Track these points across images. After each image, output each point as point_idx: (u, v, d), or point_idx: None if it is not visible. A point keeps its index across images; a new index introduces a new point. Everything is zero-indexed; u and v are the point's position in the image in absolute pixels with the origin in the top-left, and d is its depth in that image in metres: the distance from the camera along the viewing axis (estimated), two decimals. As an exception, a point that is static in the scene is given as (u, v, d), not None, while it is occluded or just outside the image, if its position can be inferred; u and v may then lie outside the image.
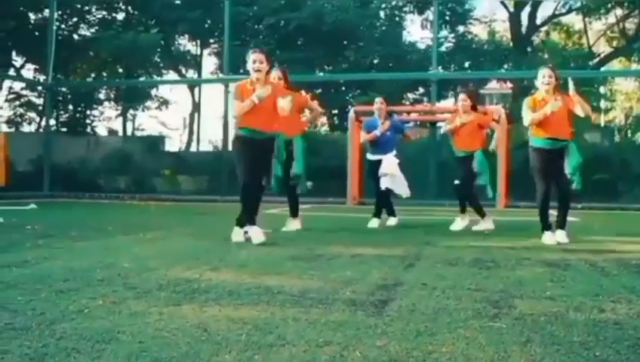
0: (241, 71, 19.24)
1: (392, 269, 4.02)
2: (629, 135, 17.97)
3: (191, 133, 24.44)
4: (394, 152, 7.61)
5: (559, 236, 5.96)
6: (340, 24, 19.21)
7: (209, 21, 22.08)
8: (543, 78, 5.92)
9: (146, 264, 4.03)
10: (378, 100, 7.76)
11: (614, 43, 22.80)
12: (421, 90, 21.11)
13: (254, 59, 5.57)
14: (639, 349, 2.21)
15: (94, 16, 22.65)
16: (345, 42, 19.96)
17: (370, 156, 7.86)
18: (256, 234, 5.49)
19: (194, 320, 2.46)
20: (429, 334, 2.34)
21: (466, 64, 20.70)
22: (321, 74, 20.88)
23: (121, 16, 23.16)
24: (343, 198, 14.05)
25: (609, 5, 20.11)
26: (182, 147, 24.72)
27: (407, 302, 2.91)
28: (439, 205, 13.32)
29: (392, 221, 7.75)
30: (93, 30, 22.38)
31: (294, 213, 7.09)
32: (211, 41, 23.81)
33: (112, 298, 2.86)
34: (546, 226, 6.03)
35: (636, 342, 2.28)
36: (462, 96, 7.45)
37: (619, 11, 21.01)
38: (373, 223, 7.54)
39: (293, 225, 6.99)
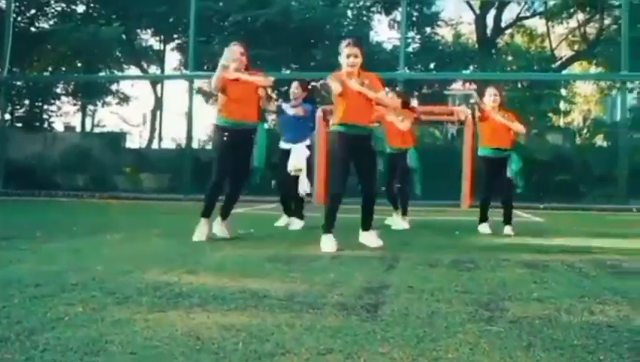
0: (206, 68, 19.01)
1: (374, 271, 3.95)
2: (588, 137, 18.33)
3: (153, 129, 24.02)
4: (307, 142, 7.19)
5: (507, 230, 6.84)
6: (308, 22, 19.14)
7: (173, 16, 21.75)
8: (490, 96, 6.95)
9: (120, 267, 3.87)
10: (294, 84, 7.43)
11: (575, 47, 23.25)
12: (386, 90, 21.12)
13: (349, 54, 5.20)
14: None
15: (53, 8, 22.08)
16: (312, 41, 19.86)
17: (282, 144, 7.27)
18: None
19: (183, 327, 2.34)
20: (430, 339, 2.27)
21: (432, 65, 20.83)
22: (288, 72, 20.73)
23: (81, 8, 22.64)
24: (307, 198, 13.94)
25: (571, 10, 20.50)
26: (143, 144, 24.30)
27: (399, 306, 2.84)
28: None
29: (296, 224, 7.14)
30: (52, 23, 21.80)
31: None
32: (175, 36, 23.46)
33: (92, 304, 2.71)
34: (484, 218, 7.07)
35: (635, 346, 2.26)
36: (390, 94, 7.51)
37: (580, 16, 21.45)
38: (281, 222, 7.49)
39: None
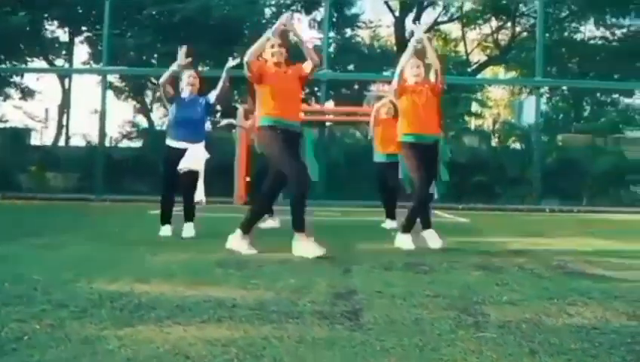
0: (119, 62, 18.28)
1: (333, 276, 3.81)
2: (502, 140, 18.99)
3: (60, 126, 22.79)
4: (203, 142, 6.18)
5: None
6: (227, 19, 18.73)
7: (82, 7, 20.74)
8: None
9: (61, 275, 3.53)
10: (191, 74, 6.52)
11: (488, 52, 24.08)
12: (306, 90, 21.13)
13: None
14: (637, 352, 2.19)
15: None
16: (232, 38, 19.43)
17: (170, 142, 6.16)
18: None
19: (164, 344, 2.11)
20: (431, 349, 2.16)
21: (351, 67, 20.91)
22: (207, 69, 20.24)
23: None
24: (229, 198, 13.66)
25: (486, 16, 21.20)
26: (50, 141, 22.98)
27: (379, 313, 2.72)
28: (326, 205, 13.36)
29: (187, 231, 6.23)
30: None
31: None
32: (84, 28, 22.36)
33: (47, 320, 2.41)
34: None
35: (631, 348, 2.24)
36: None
37: (494, 22, 22.24)
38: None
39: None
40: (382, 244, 5.83)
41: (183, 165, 5.91)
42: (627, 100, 21.28)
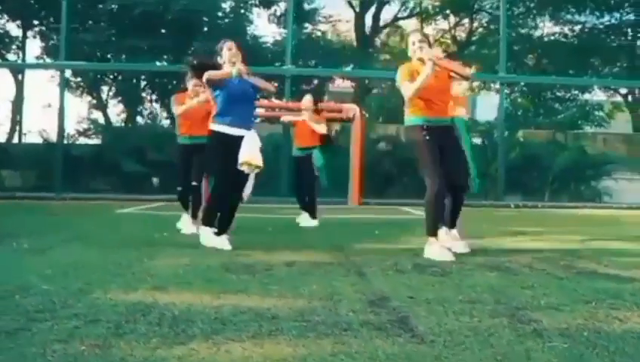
0: (77, 55, 17.63)
1: (350, 280, 3.69)
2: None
3: (14, 122, 21.89)
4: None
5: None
6: (186, 13, 18.33)
7: (35, 1, 20.03)
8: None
9: (70, 285, 3.31)
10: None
11: (447, 48, 24.25)
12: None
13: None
14: None
15: None
16: (191, 32, 19.03)
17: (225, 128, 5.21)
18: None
19: (234, 365, 1.95)
20: (512, 363, 2.06)
21: (312, 62, 20.79)
22: (165, 64, 19.81)
23: None
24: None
25: (446, 12, 21.37)
26: (3, 138, 22.01)
27: (429, 322, 2.61)
28: (290, 202, 13.22)
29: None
30: None
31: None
32: (36, 22, 21.58)
33: (89, 339, 2.21)
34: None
35: None
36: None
37: (452, 18, 22.45)
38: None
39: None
40: (372, 243, 5.78)
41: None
42: (586, 96, 21.84)
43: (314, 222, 7.54)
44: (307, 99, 7.89)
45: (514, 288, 3.49)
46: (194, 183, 6.43)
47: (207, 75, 5.09)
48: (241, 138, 5.10)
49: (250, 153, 5.09)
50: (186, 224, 6.48)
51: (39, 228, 6.86)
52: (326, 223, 7.70)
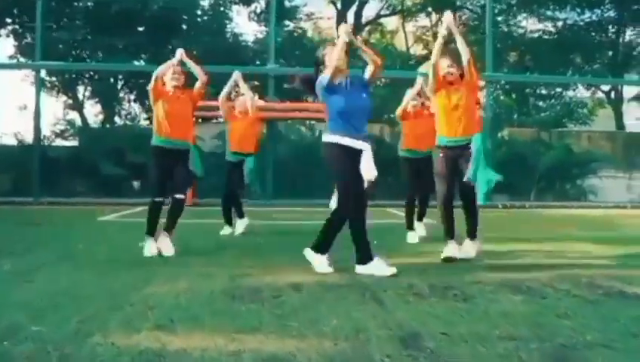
0: (53, 54, 17.08)
1: (369, 310, 3.41)
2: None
3: (-15, 124, 21.20)
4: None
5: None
6: (165, 11, 17.88)
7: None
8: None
9: (64, 323, 3.00)
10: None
11: (430, 46, 24.10)
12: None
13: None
14: None
15: None
16: (169, 30, 18.57)
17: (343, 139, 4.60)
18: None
19: None
20: None
21: (293, 61, 20.43)
22: (143, 63, 19.31)
23: None
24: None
25: (428, 9, 21.18)
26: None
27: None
28: (275, 205, 12.95)
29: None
30: None
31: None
32: (8, 20, 20.88)
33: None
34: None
35: None
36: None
37: (434, 16, 22.27)
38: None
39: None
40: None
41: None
42: (569, 93, 21.85)
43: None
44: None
45: (548, 317, 3.25)
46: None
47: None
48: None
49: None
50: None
51: (21, 242, 6.46)
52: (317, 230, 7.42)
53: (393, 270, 4.50)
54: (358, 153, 4.53)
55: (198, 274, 4.50)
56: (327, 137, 4.62)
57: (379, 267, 4.54)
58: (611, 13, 21.96)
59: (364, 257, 4.60)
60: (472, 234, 5.44)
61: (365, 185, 4.58)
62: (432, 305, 3.52)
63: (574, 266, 5.06)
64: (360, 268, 4.59)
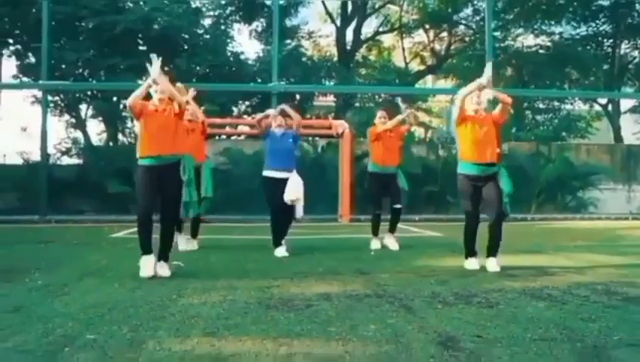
0: (57, 74, 17.28)
1: (401, 315, 3.59)
2: (445, 148, 19.18)
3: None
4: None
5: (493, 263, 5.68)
6: (168, 30, 18.12)
7: (9, 18, 19.55)
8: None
9: (115, 331, 3.15)
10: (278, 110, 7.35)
11: (426, 61, 24.40)
12: (247, 103, 20.76)
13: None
14: None
15: None
16: (172, 49, 18.78)
17: (269, 172, 6.86)
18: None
19: None
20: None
21: (292, 79, 20.63)
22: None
23: None
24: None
25: (426, 25, 21.46)
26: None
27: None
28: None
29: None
30: None
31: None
32: (10, 40, 21.08)
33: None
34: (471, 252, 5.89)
35: None
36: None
37: (432, 33, 22.58)
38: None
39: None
40: (392, 267, 5.73)
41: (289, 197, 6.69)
42: (568, 107, 22.09)
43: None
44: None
45: (574, 321, 3.42)
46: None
47: None
48: None
49: None
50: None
51: (43, 260, 6.58)
52: (330, 242, 7.60)
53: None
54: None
55: (227, 287, 4.64)
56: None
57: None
58: (606, 27, 22.31)
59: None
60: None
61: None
62: (460, 311, 3.69)
63: (587, 275, 5.25)
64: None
